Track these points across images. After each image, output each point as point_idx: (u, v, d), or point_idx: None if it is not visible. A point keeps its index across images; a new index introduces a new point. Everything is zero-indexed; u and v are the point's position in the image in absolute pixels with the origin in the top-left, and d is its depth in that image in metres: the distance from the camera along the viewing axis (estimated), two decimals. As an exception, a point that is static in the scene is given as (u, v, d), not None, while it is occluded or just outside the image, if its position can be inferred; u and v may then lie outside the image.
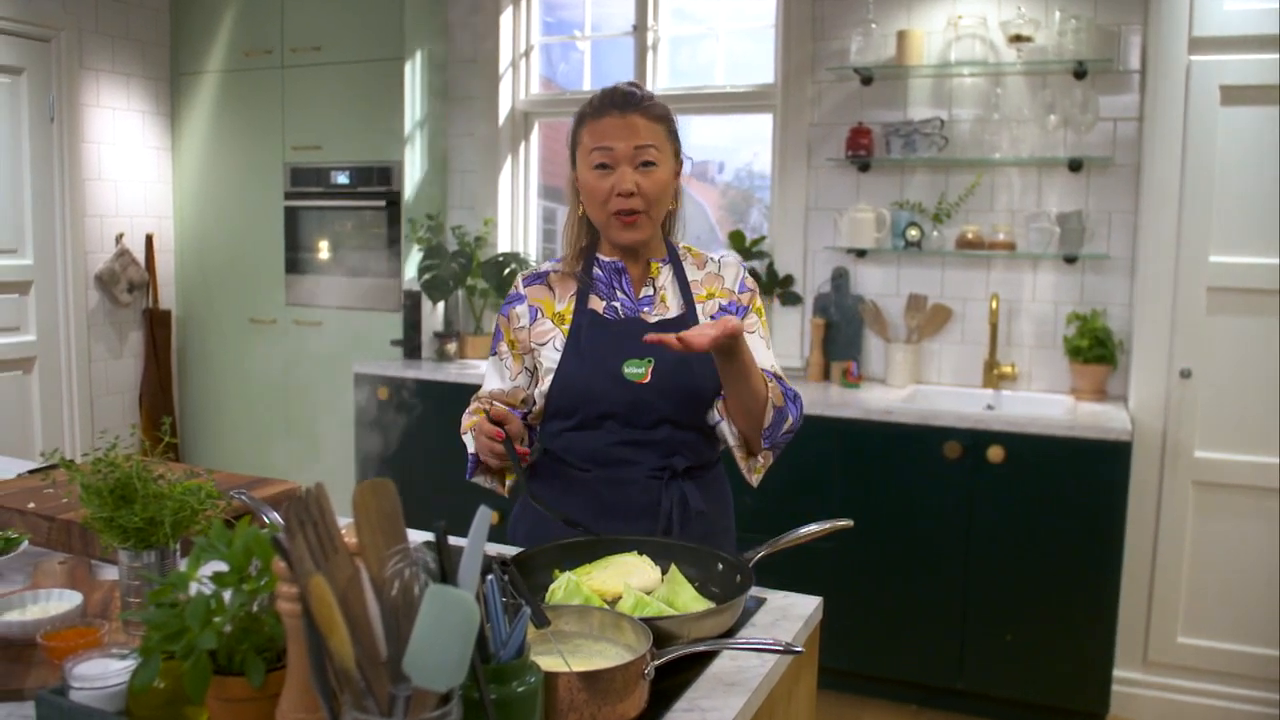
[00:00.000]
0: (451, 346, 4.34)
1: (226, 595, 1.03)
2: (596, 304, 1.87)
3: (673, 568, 1.54)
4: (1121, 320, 3.65)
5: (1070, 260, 3.69)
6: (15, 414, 4.34)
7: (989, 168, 3.78)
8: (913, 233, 3.82)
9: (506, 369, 1.92)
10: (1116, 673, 3.29)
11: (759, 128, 4.32)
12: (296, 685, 0.97)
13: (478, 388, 1.99)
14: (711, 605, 1.46)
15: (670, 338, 1.57)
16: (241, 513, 1.63)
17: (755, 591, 1.60)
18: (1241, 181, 3.17)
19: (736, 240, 4.14)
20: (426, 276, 4.34)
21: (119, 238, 4.68)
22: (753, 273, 4.08)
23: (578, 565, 1.57)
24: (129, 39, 4.67)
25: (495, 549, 1.77)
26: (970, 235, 3.75)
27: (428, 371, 4.09)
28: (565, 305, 1.88)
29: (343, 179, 4.53)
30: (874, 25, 3.81)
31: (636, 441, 1.81)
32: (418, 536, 1.44)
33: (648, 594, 1.47)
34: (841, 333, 3.98)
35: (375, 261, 4.52)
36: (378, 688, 0.89)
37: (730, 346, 1.63)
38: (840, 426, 3.42)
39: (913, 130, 3.79)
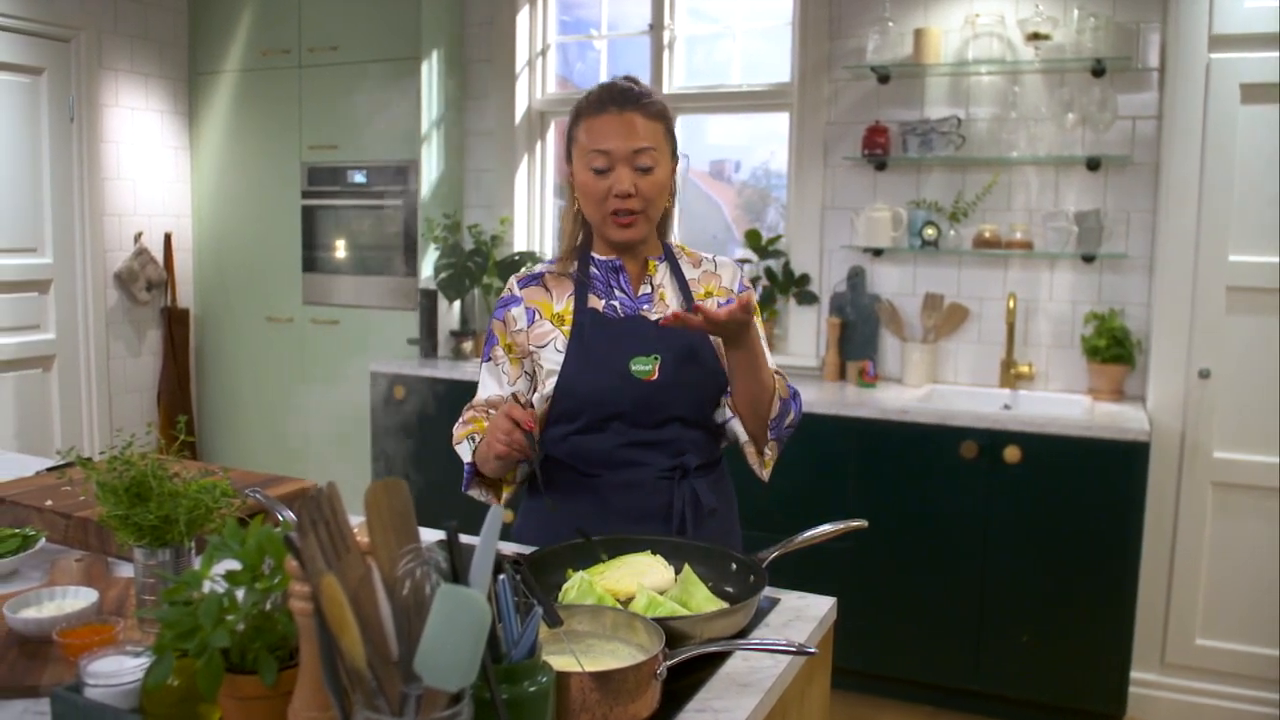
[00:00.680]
0: (468, 345, 4.34)
1: (239, 594, 1.04)
2: (596, 303, 1.84)
3: (686, 568, 1.54)
4: (1140, 320, 3.62)
5: (1088, 259, 3.66)
6: (35, 411, 4.37)
7: (1006, 166, 3.76)
8: (929, 232, 3.80)
9: (504, 374, 1.87)
10: (1134, 674, 3.27)
11: (775, 126, 4.31)
12: (309, 684, 0.98)
13: None
14: (725, 605, 1.45)
15: (688, 315, 1.58)
16: (256, 511, 1.63)
17: (769, 592, 1.59)
18: (1261, 180, 3.14)
19: (752, 239, 4.13)
20: (443, 275, 4.35)
21: (137, 236, 4.71)
22: (768, 272, 4.10)
23: (591, 565, 1.57)
24: (148, 39, 4.70)
25: (511, 548, 1.77)
26: (987, 234, 3.73)
27: (444, 370, 4.10)
28: (564, 305, 1.85)
29: (360, 178, 4.54)
30: (891, 24, 3.79)
31: (645, 442, 1.79)
32: (432, 536, 1.45)
33: (661, 594, 1.46)
34: (858, 332, 3.97)
35: (392, 260, 4.54)
36: (389, 687, 0.89)
37: (743, 330, 1.64)
38: (856, 426, 3.41)
39: (930, 129, 3.77)
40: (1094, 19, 3.51)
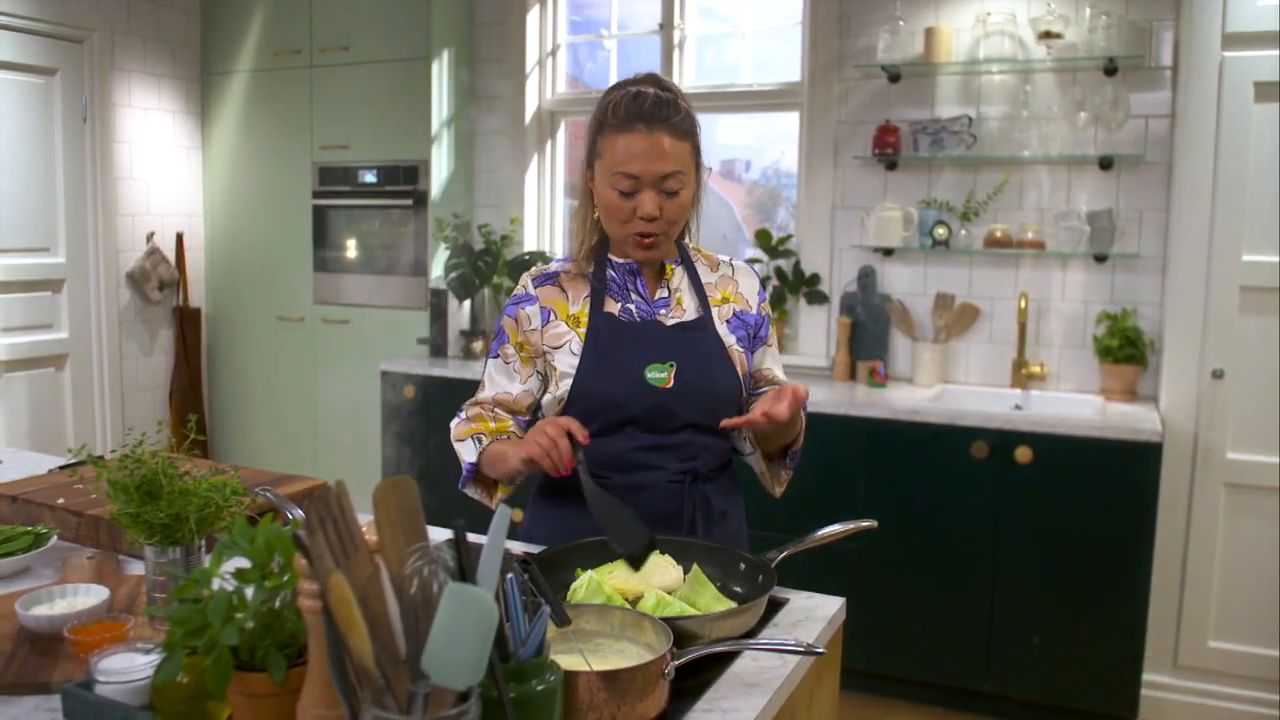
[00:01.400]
0: (478, 345, 4.35)
1: (249, 592, 1.04)
2: (611, 306, 1.82)
3: (695, 567, 1.54)
4: (1152, 320, 3.61)
5: (1100, 259, 3.65)
6: (48, 410, 4.39)
7: (1018, 166, 3.75)
8: (940, 231, 3.79)
9: (516, 373, 1.85)
10: (1146, 676, 3.26)
11: (786, 126, 4.30)
12: (317, 682, 0.98)
13: None
14: (733, 605, 1.45)
15: (756, 416, 1.64)
16: (266, 509, 1.64)
17: (777, 592, 1.59)
18: (1275, 179, 3.12)
19: (763, 239, 4.12)
20: (453, 275, 4.36)
21: (150, 236, 4.73)
22: (778, 271, 4.09)
23: (600, 564, 1.57)
24: (160, 39, 4.72)
25: (521, 548, 1.77)
26: (999, 234, 3.72)
27: (454, 369, 4.11)
28: (579, 307, 1.83)
29: (370, 178, 4.56)
30: (901, 22, 3.79)
31: (658, 446, 1.78)
32: (441, 534, 1.45)
33: (669, 593, 1.46)
34: (868, 332, 3.96)
35: (402, 260, 4.55)
36: (397, 685, 0.89)
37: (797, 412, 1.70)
38: (866, 426, 3.40)
39: (940, 128, 3.76)
40: (1106, 17, 3.50)
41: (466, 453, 1.81)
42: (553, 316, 1.83)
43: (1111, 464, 3.12)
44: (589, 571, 1.51)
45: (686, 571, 1.55)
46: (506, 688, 1.00)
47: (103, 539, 1.79)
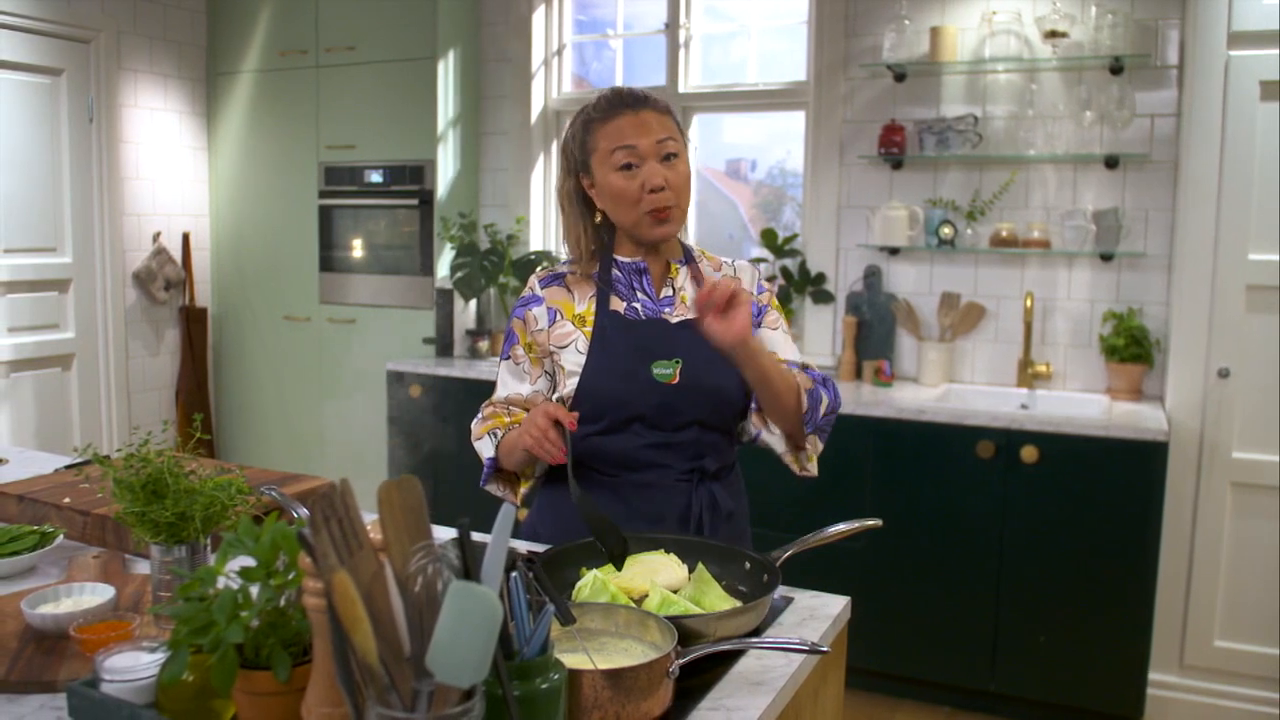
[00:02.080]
0: (484, 344, 4.35)
1: (254, 590, 1.04)
2: (617, 305, 1.84)
3: (700, 566, 1.54)
4: (1158, 319, 3.60)
5: (1106, 258, 3.64)
6: (54, 410, 4.41)
7: (1024, 165, 3.74)
8: (946, 231, 3.79)
9: (526, 374, 1.87)
10: (1152, 676, 3.25)
11: (791, 125, 4.30)
12: (322, 680, 0.98)
13: None
14: (738, 604, 1.45)
15: (699, 317, 1.58)
16: (271, 508, 1.64)
17: (783, 591, 1.59)
18: (1282, 178, 3.11)
19: (769, 238, 4.12)
20: (459, 274, 4.36)
21: (156, 236, 4.74)
22: (784, 271, 4.09)
23: (605, 563, 1.57)
24: (166, 40, 4.73)
25: (525, 546, 1.77)
26: (1004, 233, 3.72)
27: (460, 369, 4.11)
28: (585, 307, 1.85)
29: (376, 177, 4.56)
30: (907, 22, 3.78)
31: (665, 444, 1.79)
32: (445, 533, 1.45)
33: (674, 592, 1.46)
34: (874, 331, 3.96)
35: (408, 260, 4.55)
36: (401, 683, 0.89)
37: (743, 347, 1.62)
38: (872, 425, 3.40)
39: (946, 127, 3.75)
40: (1112, 16, 3.49)
41: (485, 449, 1.84)
42: (559, 316, 1.85)
43: (1117, 463, 3.11)
44: (593, 570, 1.51)
45: (691, 570, 1.55)
46: (511, 686, 1.00)
47: (109, 538, 1.79)
